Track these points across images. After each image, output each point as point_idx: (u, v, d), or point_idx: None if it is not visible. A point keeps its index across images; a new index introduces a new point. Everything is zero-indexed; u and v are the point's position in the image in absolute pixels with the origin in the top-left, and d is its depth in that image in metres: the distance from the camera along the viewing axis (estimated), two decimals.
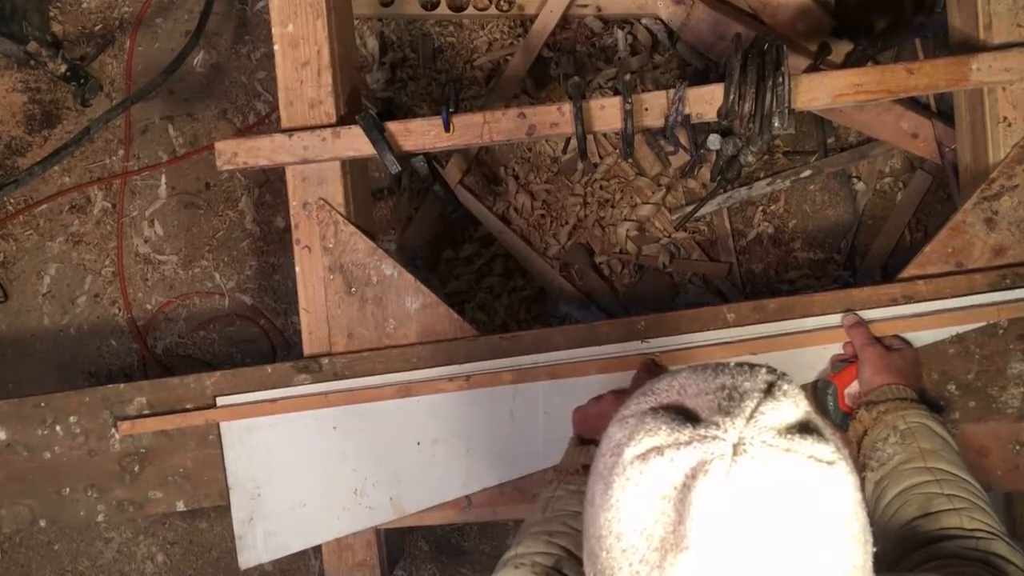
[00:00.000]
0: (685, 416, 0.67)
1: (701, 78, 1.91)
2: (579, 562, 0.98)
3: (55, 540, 2.09)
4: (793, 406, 0.67)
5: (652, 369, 1.39)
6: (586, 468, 1.18)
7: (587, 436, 1.26)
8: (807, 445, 0.64)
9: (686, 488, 0.63)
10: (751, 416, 0.65)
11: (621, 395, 1.28)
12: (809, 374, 1.40)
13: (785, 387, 0.69)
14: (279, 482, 1.47)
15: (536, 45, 1.93)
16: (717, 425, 0.65)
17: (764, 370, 0.70)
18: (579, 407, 1.31)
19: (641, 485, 0.65)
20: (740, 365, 0.71)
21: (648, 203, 1.94)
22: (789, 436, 0.65)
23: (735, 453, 0.63)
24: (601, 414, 1.27)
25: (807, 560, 0.62)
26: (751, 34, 1.72)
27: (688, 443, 0.64)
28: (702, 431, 0.65)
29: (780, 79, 1.33)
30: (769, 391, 0.68)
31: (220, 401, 1.48)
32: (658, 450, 0.65)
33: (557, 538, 1.03)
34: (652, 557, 0.64)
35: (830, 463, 0.65)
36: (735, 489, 0.62)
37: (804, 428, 0.66)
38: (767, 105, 1.34)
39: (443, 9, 1.95)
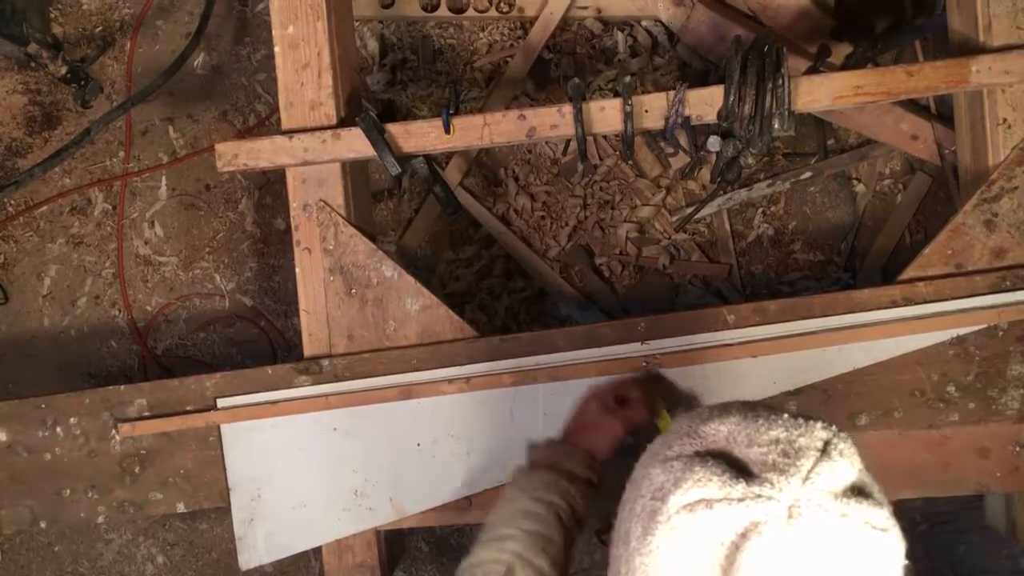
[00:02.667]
0: (736, 468, 0.65)
1: (701, 80, 1.91)
2: (529, 564, 0.99)
3: (55, 541, 2.10)
4: (849, 467, 0.65)
5: (641, 381, 1.37)
6: (549, 465, 1.17)
7: (570, 439, 1.25)
8: (863, 510, 0.63)
9: (735, 547, 0.62)
10: (807, 477, 0.63)
11: (607, 411, 1.25)
12: (810, 376, 1.40)
13: (841, 446, 0.66)
14: (279, 483, 1.47)
15: (536, 47, 1.93)
16: (772, 484, 0.63)
17: (819, 426, 0.68)
18: (576, 412, 1.29)
19: (686, 537, 0.63)
20: (795, 418, 0.69)
21: (648, 205, 1.94)
22: (845, 500, 0.63)
23: (790, 516, 0.62)
24: (586, 425, 1.25)
25: None
26: (751, 36, 1.72)
27: (741, 500, 0.62)
28: (756, 489, 0.63)
29: (780, 81, 1.33)
30: (825, 450, 0.65)
31: (220, 403, 1.49)
32: (707, 503, 0.63)
33: (507, 543, 1.02)
34: None
35: (884, 530, 0.63)
36: (788, 553, 0.61)
37: (859, 492, 0.64)
38: (767, 107, 1.34)
39: (443, 11, 1.95)
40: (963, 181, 1.53)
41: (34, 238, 2.10)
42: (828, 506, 0.62)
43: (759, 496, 0.62)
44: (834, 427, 0.68)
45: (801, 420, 0.68)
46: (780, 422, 0.67)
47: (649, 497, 0.67)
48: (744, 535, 0.61)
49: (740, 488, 0.63)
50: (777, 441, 0.66)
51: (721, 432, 0.68)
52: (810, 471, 0.64)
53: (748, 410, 0.70)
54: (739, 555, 0.61)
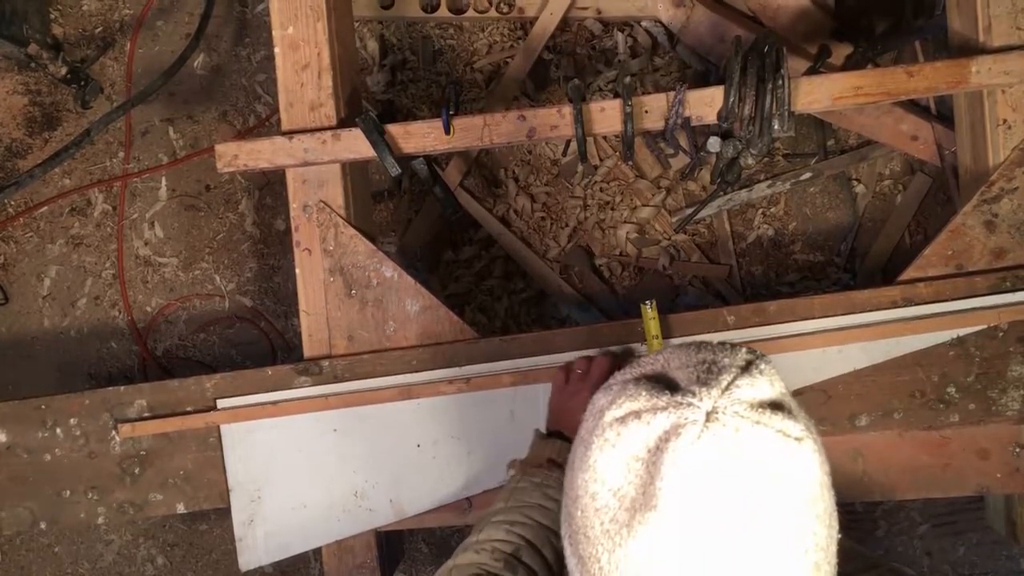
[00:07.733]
0: (666, 384, 0.71)
1: (701, 81, 1.91)
2: (537, 552, 1.02)
3: (55, 542, 2.09)
4: (768, 384, 0.70)
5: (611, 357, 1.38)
6: (551, 462, 1.20)
7: (553, 428, 1.28)
8: (777, 420, 0.67)
9: (659, 450, 0.66)
10: (727, 388, 0.69)
11: (585, 386, 1.28)
12: (810, 376, 1.40)
13: (762, 367, 0.72)
14: (279, 484, 1.47)
15: (536, 47, 1.93)
16: (693, 393, 0.68)
17: (744, 350, 0.74)
18: (552, 397, 1.32)
19: (617, 447, 0.68)
20: (723, 343, 0.76)
21: (648, 205, 1.94)
22: (760, 410, 0.68)
23: (707, 420, 0.66)
24: (569, 408, 1.28)
25: (769, 529, 0.64)
26: (751, 36, 1.72)
27: (664, 408, 0.68)
28: (679, 398, 0.68)
29: (780, 81, 1.33)
30: (747, 368, 0.71)
31: (220, 403, 1.49)
32: (636, 414, 0.69)
33: (517, 528, 1.05)
34: (622, 516, 0.67)
35: (798, 439, 0.67)
36: (704, 454, 0.65)
37: (776, 406, 0.69)
38: (767, 107, 1.34)
39: (443, 11, 1.95)
40: (963, 182, 1.53)
41: (34, 239, 2.10)
42: (744, 413, 0.67)
43: (680, 404, 0.68)
44: (759, 352, 0.74)
45: (729, 345, 0.75)
46: (709, 348, 0.75)
47: (591, 419, 0.73)
48: (665, 439, 0.66)
49: (665, 398, 0.69)
50: (704, 361, 0.72)
51: (659, 360, 0.75)
52: (730, 383, 0.69)
53: (685, 343, 0.78)
54: (661, 457, 0.66)
